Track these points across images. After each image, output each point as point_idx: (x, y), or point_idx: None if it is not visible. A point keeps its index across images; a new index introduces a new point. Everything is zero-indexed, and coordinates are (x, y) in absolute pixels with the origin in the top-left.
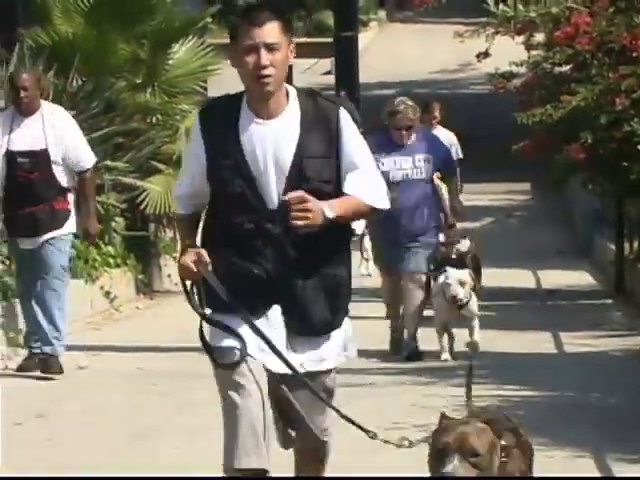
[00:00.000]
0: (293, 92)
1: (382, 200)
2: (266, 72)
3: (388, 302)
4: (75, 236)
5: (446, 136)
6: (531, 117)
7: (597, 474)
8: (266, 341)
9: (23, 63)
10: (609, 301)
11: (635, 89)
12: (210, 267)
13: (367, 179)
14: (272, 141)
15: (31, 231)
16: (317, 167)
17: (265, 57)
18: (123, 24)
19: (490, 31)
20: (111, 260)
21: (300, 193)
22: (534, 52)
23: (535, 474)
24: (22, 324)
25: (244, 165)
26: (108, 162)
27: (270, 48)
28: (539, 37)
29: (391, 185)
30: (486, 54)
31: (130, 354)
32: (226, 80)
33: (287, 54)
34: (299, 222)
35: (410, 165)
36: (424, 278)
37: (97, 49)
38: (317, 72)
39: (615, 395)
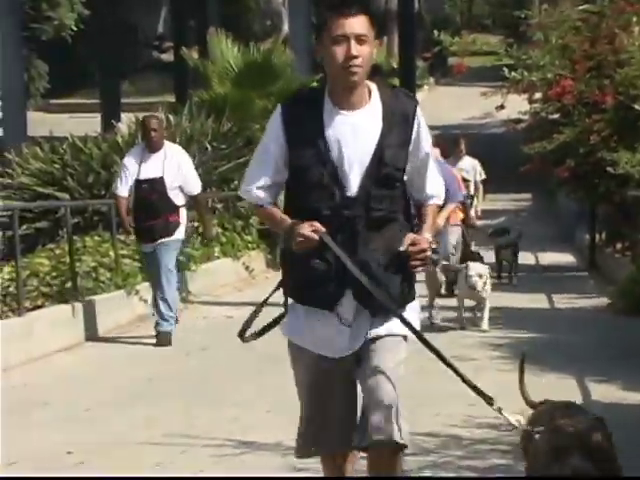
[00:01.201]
0: (374, 87)
1: (442, 194)
2: (355, 62)
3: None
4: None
5: (471, 162)
6: (532, 149)
7: (578, 392)
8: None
9: (191, 113)
10: (585, 274)
11: (603, 130)
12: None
13: (434, 174)
14: (356, 131)
15: (150, 238)
16: (394, 155)
17: (355, 48)
18: (258, 86)
19: (504, 91)
20: (249, 245)
21: (421, 244)
22: (534, 105)
23: (531, 392)
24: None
25: (327, 153)
26: None
27: (359, 40)
28: (538, 95)
29: None
30: (502, 106)
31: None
32: None
33: (372, 49)
34: (420, 268)
35: None
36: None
37: (241, 103)
38: None
39: (588, 336)
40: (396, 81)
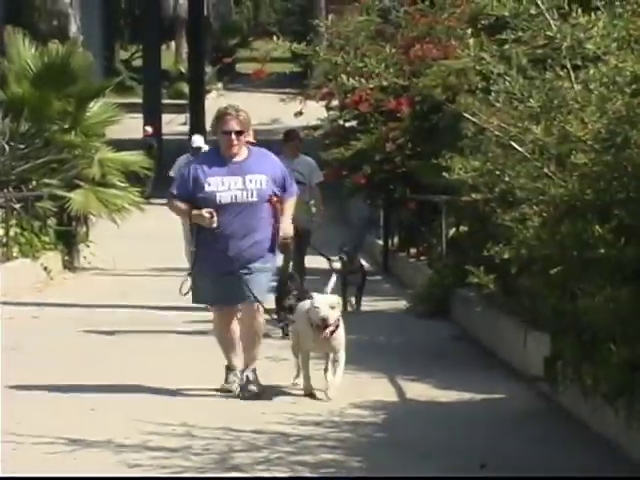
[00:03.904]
0: None
1: None
2: None
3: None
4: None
5: (309, 160)
6: (330, 155)
7: (392, 390)
8: None
9: None
10: (380, 278)
11: (399, 138)
12: None
13: None
14: None
15: None
16: None
17: None
18: (57, 87)
19: (301, 98)
20: (47, 246)
21: None
22: (332, 112)
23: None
24: None
25: None
26: (46, 180)
27: None
28: (335, 102)
29: (218, 207)
30: (301, 113)
31: (62, 308)
32: (116, 128)
33: None
34: None
35: (240, 186)
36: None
37: (39, 104)
38: (176, 123)
39: (394, 337)
40: (185, 86)
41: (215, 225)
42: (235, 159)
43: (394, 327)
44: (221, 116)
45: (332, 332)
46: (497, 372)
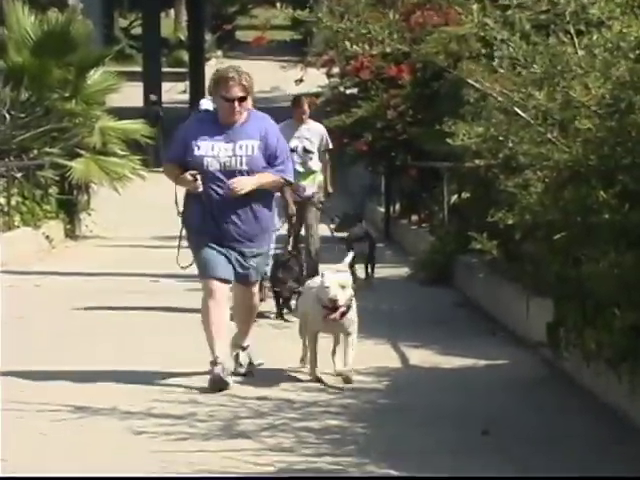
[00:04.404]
0: None
1: None
2: None
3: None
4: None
5: (319, 127)
6: (331, 122)
7: (395, 356)
8: None
9: None
10: (381, 245)
11: (400, 105)
12: None
13: None
14: None
15: None
16: None
17: None
18: (57, 55)
19: (302, 65)
20: (49, 214)
21: None
22: (332, 79)
23: (356, 358)
24: None
25: None
26: (47, 149)
27: None
28: (336, 69)
29: (206, 174)
30: (301, 80)
31: (64, 277)
32: (116, 97)
33: None
34: None
35: (230, 153)
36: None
37: (39, 72)
38: (176, 91)
39: (396, 303)
40: (184, 54)
41: (200, 189)
42: (235, 123)
43: (396, 294)
44: (222, 80)
45: (343, 314)
46: (500, 338)
